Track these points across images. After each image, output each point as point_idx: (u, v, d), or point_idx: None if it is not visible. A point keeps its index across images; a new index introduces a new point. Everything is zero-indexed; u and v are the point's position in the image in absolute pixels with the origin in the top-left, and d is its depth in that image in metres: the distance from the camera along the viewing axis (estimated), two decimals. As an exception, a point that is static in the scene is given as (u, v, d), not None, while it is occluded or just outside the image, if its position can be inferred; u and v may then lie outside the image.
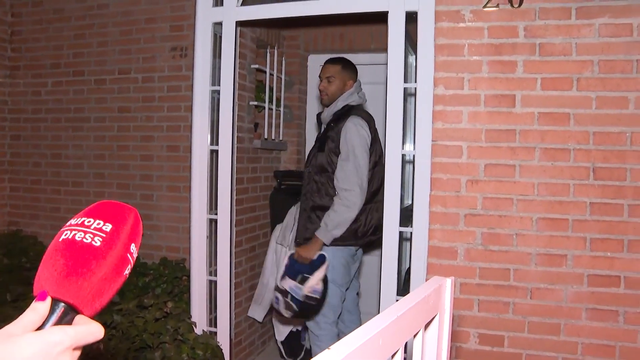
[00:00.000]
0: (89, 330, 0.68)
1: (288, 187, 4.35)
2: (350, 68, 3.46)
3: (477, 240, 2.69)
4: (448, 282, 1.22)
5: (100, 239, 0.70)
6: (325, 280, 3.18)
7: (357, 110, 3.33)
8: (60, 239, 0.71)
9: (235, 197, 3.55)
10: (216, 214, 3.36)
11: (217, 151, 3.33)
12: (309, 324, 3.36)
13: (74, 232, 0.70)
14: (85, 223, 0.72)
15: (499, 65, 2.65)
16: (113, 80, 4.49)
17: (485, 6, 2.66)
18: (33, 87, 4.80)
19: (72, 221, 0.73)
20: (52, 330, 0.65)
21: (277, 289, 3.29)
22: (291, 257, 3.27)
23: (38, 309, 0.66)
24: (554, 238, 2.60)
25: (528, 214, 2.63)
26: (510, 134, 2.64)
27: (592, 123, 2.54)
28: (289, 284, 3.19)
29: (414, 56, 3.27)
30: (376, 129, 3.40)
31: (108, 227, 0.72)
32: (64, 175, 4.69)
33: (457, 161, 2.71)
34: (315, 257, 3.18)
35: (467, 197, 2.70)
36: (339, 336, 3.21)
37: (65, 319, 0.68)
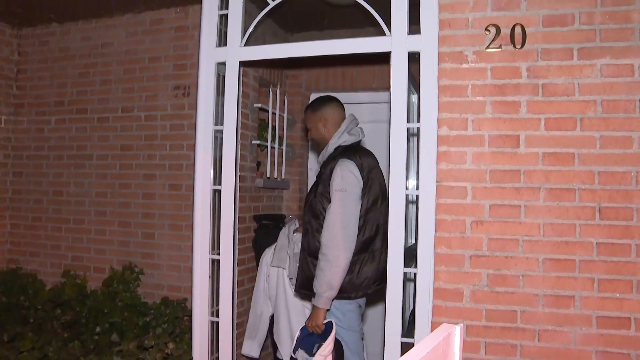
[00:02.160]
0: None
1: (266, 227, 4.25)
2: (319, 108, 3.28)
3: (483, 282, 2.66)
4: (457, 329, 1.20)
5: None
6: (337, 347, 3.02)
7: (348, 151, 3.10)
8: None
9: (237, 237, 3.53)
10: (218, 253, 3.33)
11: (219, 191, 3.32)
12: None
13: None
14: None
15: (502, 105, 2.65)
16: (116, 118, 4.51)
17: (488, 47, 2.68)
18: (36, 125, 4.82)
19: None
20: None
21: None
22: (303, 329, 3.07)
23: None
24: (561, 279, 2.57)
25: (534, 255, 2.60)
26: (515, 174, 2.63)
27: (597, 163, 2.53)
28: (303, 356, 3.05)
29: (416, 95, 3.28)
30: (375, 168, 3.17)
31: None
32: (65, 213, 4.68)
33: (462, 202, 2.69)
34: (323, 325, 2.99)
35: (473, 238, 2.67)
36: None
37: None
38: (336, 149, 3.16)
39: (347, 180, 2.96)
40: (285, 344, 3.65)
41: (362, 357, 3.21)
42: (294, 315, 3.64)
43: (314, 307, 2.99)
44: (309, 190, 3.38)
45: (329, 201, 2.99)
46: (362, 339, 3.35)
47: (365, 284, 3.04)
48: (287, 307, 3.65)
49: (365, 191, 3.02)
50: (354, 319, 3.12)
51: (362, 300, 3.19)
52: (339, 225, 2.91)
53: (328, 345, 2.94)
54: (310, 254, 3.12)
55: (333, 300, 2.98)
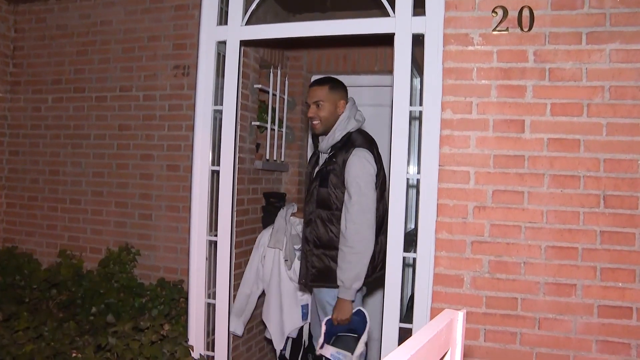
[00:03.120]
0: None
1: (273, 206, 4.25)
2: (339, 87, 3.19)
3: (484, 268, 2.62)
4: (460, 315, 1.16)
5: None
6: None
7: (359, 138, 3.06)
8: None
9: (235, 219, 3.49)
10: (216, 235, 3.30)
11: (218, 172, 3.28)
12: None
13: None
14: None
15: (508, 89, 2.61)
16: (114, 97, 4.45)
17: (494, 30, 2.62)
18: (33, 103, 4.76)
19: None
20: None
21: (317, 358, 3.14)
22: (328, 322, 3.01)
23: None
24: (563, 267, 2.54)
25: (536, 242, 2.57)
26: (519, 159, 2.59)
27: (603, 150, 2.49)
28: (330, 351, 2.99)
29: (419, 79, 3.23)
30: (379, 153, 3.14)
31: None
32: (61, 193, 4.64)
33: (464, 187, 2.65)
34: (350, 316, 2.96)
35: (474, 223, 2.64)
36: None
37: None
38: (346, 136, 3.08)
39: (366, 171, 2.94)
40: (275, 324, 3.70)
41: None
42: (286, 297, 3.66)
43: (340, 300, 2.95)
44: (312, 177, 3.22)
45: (343, 192, 2.98)
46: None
47: (369, 272, 3.00)
48: (280, 289, 3.67)
49: (377, 178, 3.00)
50: (360, 303, 3.13)
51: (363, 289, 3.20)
52: (363, 217, 2.90)
53: (366, 334, 2.96)
54: (322, 246, 3.08)
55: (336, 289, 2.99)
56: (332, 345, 3.01)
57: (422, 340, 0.95)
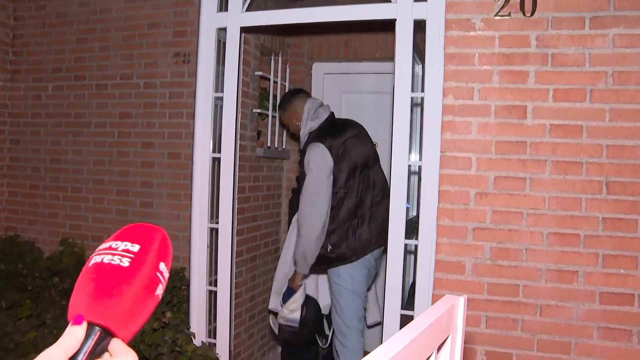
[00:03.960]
0: None
1: None
2: (287, 104, 3.55)
3: (486, 255, 2.62)
4: (461, 300, 1.15)
5: (129, 260, 0.71)
6: (304, 310, 3.48)
7: (318, 134, 3.34)
8: (91, 264, 0.72)
9: (236, 206, 3.48)
10: (217, 223, 3.29)
11: (219, 159, 3.27)
12: (338, 335, 3.39)
13: (102, 256, 0.72)
14: (113, 246, 0.73)
15: (510, 75, 2.59)
16: (114, 85, 4.43)
17: (496, 15, 2.60)
18: (34, 91, 4.74)
19: (101, 246, 0.75)
20: None
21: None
22: (288, 285, 3.56)
23: (75, 333, 0.66)
24: (565, 254, 2.53)
25: (538, 229, 2.56)
26: (521, 146, 2.57)
27: (606, 136, 2.48)
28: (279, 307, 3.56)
29: (420, 65, 3.21)
30: (352, 137, 3.35)
31: (135, 247, 0.73)
32: (62, 181, 4.63)
33: (466, 173, 2.64)
34: (299, 285, 3.49)
35: (476, 210, 2.63)
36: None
37: (102, 344, 0.68)
38: (307, 136, 3.41)
39: (314, 162, 3.22)
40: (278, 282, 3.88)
41: (363, 319, 3.42)
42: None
43: (295, 272, 3.45)
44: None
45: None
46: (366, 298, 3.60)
47: (363, 246, 3.28)
48: None
49: (339, 166, 3.24)
50: (361, 284, 3.35)
51: (371, 265, 3.39)
52: (308, 204, 3.24)
53: (294, 302, 3.47)
54: None
55: (340, 267, 3.29)
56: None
57: (422, 325, 0.95)
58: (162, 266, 0.74)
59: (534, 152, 2.56)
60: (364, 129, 3.53)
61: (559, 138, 2.53)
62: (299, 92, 3.64)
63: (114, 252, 0.72)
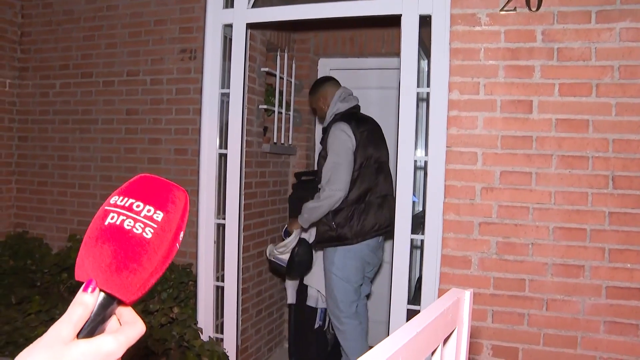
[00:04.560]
0: (137, 333, 0.66)
1: (304, 184, 4.36)
2: (319, 88, 3.75)
3: (492, 250, 2.62)
4: (467, 294, 1.16)
5: (152, 231, 0.65)
6: (296, 252, 3.68)
7: (343, 116, 3.53)
8: (107, 223, 0.65)
9: (243, 202, 3.50)
10: (224, 218, 3.31)
11: (225, 155, 3.29)
12: (333, 322, 3.56)
13: (122, 218, 0.65)
14: (134, 208, 0.66)
15: (515, 70, 2.58)
16: (121, 82, 4.45)
17: (502, 9, 2.60)
18: (41, 89, 4.77)
19: (117, 200, 0.67)
20: (105, 341, 0.63)
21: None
22: (285, 231, 3.83)
23: (87, 303, 0.63)
24: (571, 248, 2.53)
25: (544, 223, 2.56)
26: (527, 140, 2.57)
27: (612, 130, 2.47)
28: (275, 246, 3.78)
29: (426, 61, 3.22)
30: (372, 131, 3.57)
31: (159, 216, 0.66)
32: (70, 178, 4.66)
33: (472, 168, 2.64)
34: (294, 231, 3.69)
35: (482, 205, 2.63)
36: None
37: (109, 310, 0.66)
38: (334, 117, 3.57)
39: (340, 136, 3.40)
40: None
41: (354, 306, 3.54)
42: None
43: (296, 219, 3.63)
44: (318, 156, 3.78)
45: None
46: (368, 297, 3.84)
47: (364, 231, 3.44)
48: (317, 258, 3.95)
49: (359, 149, 3.43)
50: (352, 273, 3.50)
51: (365, 254, 3.52)
52: (333, 171, 3.37)
53: (285, 246, 3.69)
54: None
55: (338, 247, 3.47)
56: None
57: (428, 319, 0.96)
58: (181, 235, 0.70)
59: (539, 146, 2.56)
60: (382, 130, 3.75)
61: (564, 132, 2.52)
62: (331, 79, 3.85)
63: (136, 218, 0.65)
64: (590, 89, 2.49)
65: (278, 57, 4.20)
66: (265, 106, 4.04)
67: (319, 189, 3.50)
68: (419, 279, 2.97)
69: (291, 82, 4.46)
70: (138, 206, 0.66)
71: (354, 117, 3.54)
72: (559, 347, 2.55)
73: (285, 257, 3.71)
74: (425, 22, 2.81)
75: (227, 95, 3.26)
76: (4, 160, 4.80)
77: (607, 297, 2.49)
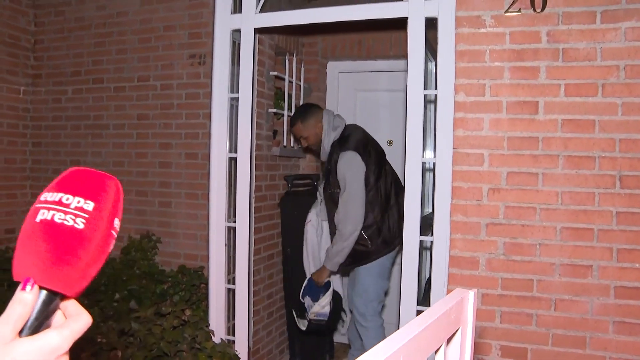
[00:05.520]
0: (81, 325, 0.66)
1: (298, 190, 4.39)
2: (308, 114, 3.71)
3: (499, 250, 2.63)
4: (471, 294, 1.17)
5: (83, 221, 0.64)
6: (331, 304, 3.70)
7: (343, 142, 3.58)
8: (38, 219, 0.64)
9: (253, 205, 3.53)
10: (234, 221, 3.34)
11: (235, 159, 3.32)
12: (357, 316, 3.65)
13: (52, 212, 0.64)
14: (64, 201, 0.65)
15: (521, 71, 2.60)
16: (132, 87, 4.50)
17: (506, 11, 2.61)
18: (54, 95, 4.84)
19: (47, 196, 0.66)
20: (49, 336, 0.62)
21: (298, 303, 3.82)
22: (310, 280, 3.78)
23: (26, 301, 0.62)
24: (579, 248, 2.53)
25: (551, 224, 2.57)
26: (533, 141, 2.58)
27: (618, 130, 2.47)
28: (309, 302, 3.74)
29: (434, 63, 3.23)
30: (368, 141, 3.66)
31: (90, 205, 0.66)
32: (83, 182, 4.71)
33: (479, 169, 2.66)
34: (324, 282, 3.69)
35: (489, 206, 2.65)
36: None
37: (52, 306, 0.65)
38: (332, 146, 3.62)
39: (353, 169, 3.47)
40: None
41: (381, 305, 3.74)
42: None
43: (323, 267, 3.66)
44: (324, 182, 3.86)
45: (339, 188, 3.53)
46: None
47: (393, 237, 3.58)
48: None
49: (369, 168, 3.51)
50: (387, 274, 3.73)
51: (399, 257, 3.54)
52: (349, 207, 3.46)
53: (327, 298, 3.66)
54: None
55: (379, 259, 3.59)
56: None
57: (430, 318, 0.97)
58: (116, 222, 0.69)
59: (546, 147, 2.56)
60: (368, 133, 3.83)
61: (571, 133, 2.53)
62: (314, 105, 3.88)
63: (66, 210, 0.64)
64: (596, 89, 2.50)
65: (287, 60, 4.24)
66: (274, 110, 4.07)
67: (334, 222, 3.60)
68: (429, 280, 2.98)
69: (300, 85, 4.49)
70: (67, 199, 0.65)
71: (352, 139, 3.59)
72: (568, 347, 2.55)
73: (327, 310, 3.70)
74: (432, 24, 2.82)
75: (237, 99, 3.29)
76: (18, 165, 4.87)
77: (616, 297, 2.49)
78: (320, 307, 3.68)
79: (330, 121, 3.67)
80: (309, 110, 3.77)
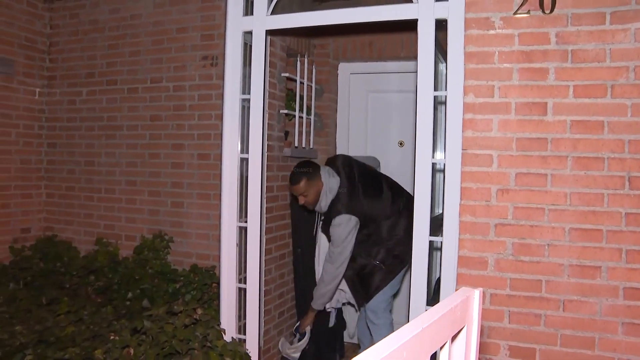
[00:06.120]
0: None
1: None
2: (312, 173, 3.67)
3: (508, 251, 2.64)
4: (476, 293, 1.19)
5: None
6: (305, 349, 3.90)
7: (336, 203, 3.64)
8: None
9: (265, 205, 3.56)
10: (246, 221, 3.37)
11: (247, 159, 3.35)
12: (369, 313, 3.78)
13: None
14: None
15: (529, 72, 2.60)
16: (145, 89, 4.56)
17: (515, 13, 2.62)
18: (68, 96, 4.91)
19: None
20: None
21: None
22: (296, 328, 3.97)
23: None
24: (587, 249, 2.54)
25: (560, 224, 2.57)
26: (542, 142, 2.59)
27: (628, 131, 2.47)
28: (282, 340, 4.03)
29: (445, 64, 3.24)
30: (363, 171, 3.80)
31: None
32: (96, 182, 4.78)
33: (487, 170, 2.67)
34: (307, 327, 3.86)
35: (498, 206, 2.66)
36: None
37: None
38: (330, 205, 3.69)
39: (341, 232, 3.57)
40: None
41: (392, 301, 3.91)
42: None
43: (310, 309, 3.82)
44: (321, 221, 4.01)
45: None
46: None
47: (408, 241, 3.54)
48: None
49: (365, 216, 3.64)
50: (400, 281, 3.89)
51: None
52: (338, 261, 3.61)
53: (301, 345, 3.85)
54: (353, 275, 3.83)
55: (398, 274, 3.77)
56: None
57: (434, 315, 0.99)
58: None
59: (554, 148, 2.57)
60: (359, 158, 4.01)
61: (579, 134, 2.53)
62: (314, 163, 3.82)
63: None
64: (605, 90, 2.50)
65: (298, 62, 4.26)
66: (286, 111, 4.10)
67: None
68: (439, 280, 3.00)
69: (311, 86, 4.51)
70: None
71: (348, 197, 3.65)
72: (577, 348, 2.55)
73: (296, 355, 3.88)
74: (442, 26, 2.84)
75: (248, 100, 3.32)
76: (34, 166, 4.94)
77: (625, 298, 2.49)
78: (292, 351, 3.88)
79: (327, 181, 3.68)
80: (316, 168, 3.72)
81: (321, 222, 4.00)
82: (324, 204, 3.70)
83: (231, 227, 3.39)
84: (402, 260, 3.71)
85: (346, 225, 3.59)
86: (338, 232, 3.61)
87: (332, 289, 3.71)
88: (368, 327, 3.85)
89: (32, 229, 4.93)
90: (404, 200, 3.75)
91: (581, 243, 2.54)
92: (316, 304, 3.78)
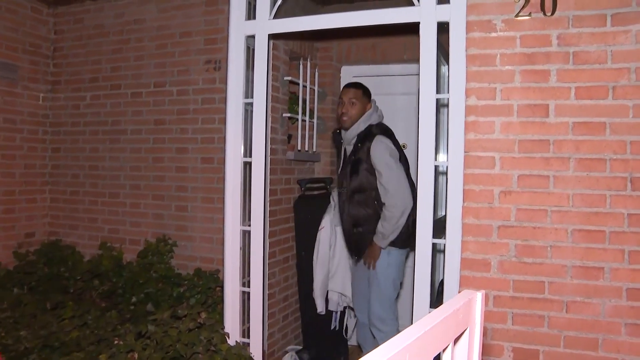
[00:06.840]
0: None
1: (311, 194, 4.40)
2: (368, 94, 3.70)
3: (511, 252, 2.65)
4: (479, 295, 1.20)
5: None
6: None
7: (379, 128, 3.57)
8: None
9: (268, 209, 3.57)
10: (249, 225, 3.38)
11: (250, 163, 3.36)
12: (375, 324, 3.58)
13: None
14: None
15: (531, 74, 2.61)
16: (149, 93, 4.58)
17: (517, 15, 2.63)
18: (73, 101, 4.94)
19: None
20: None
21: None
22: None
23: None
24: (591, 250, 2.54)
25: (563, 226, 2.57)
26: (544, 144, 2.59)
27: (630, 132, 2.48)
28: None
29: (447, 66, 3.25)
30: (397, 140, 3.63)
31: None
32: (101, 187, 4.80)
33: (490, 172, 2.67)
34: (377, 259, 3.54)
35: (500, 208, 2.66)
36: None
37: None
38: (367, 127, 3.56)
39: (390, 150, 3.44)
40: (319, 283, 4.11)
41: (396, 305, 3.69)
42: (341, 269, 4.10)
43: (375, 245, 3.49)
44: (340, 169, 3.76)
45: (373, 174, 3.47)
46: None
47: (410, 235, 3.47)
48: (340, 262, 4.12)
49: (401, 158, 3.50)
50: (398, 272, 3.60)
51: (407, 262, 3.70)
52: (397, 185, 3.40)
53: None
54: (360, 225, 3.60)
55: (392, 249, 3.50)
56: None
57: (437, 318, 0.99)
58: None
59: (557, 149, 2.57)
60: None
61: (582, 135, 2.54)
62: None
63: None
64: (607, 91, 2.51)
65: (301, 65, 4.28)
66: (289, 114, 4.11)
67: (374, 202, 3.51)
68: (442, 282, 3.00)
69: (314, 90, 4.53)
70: None
71: (388, 132, 3.59)
72: (580, 349, 2.55)
73: None
74: (444, 28, 2.84)
75: (251, 104, 3.33)
76: (38, 170, 4.97)
77: (628, 299, 2.49)
78: None
79: (377, 108, 3.68)
80: (369, 92, 3.74)
81: (349, 165, 3.65)
82: (362, 125, 3.57)
83: (235, 231, 3.39)
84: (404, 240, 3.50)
85: (389, 145, 3.48)
86: (380, 152, 3.45)
87: (401, 225, 3.42)
88: (372, 333, 3.71)
89: (37, 234, 4.95)
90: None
91: (584, 244, 2.54)
92: (384, 241, 3.48)
